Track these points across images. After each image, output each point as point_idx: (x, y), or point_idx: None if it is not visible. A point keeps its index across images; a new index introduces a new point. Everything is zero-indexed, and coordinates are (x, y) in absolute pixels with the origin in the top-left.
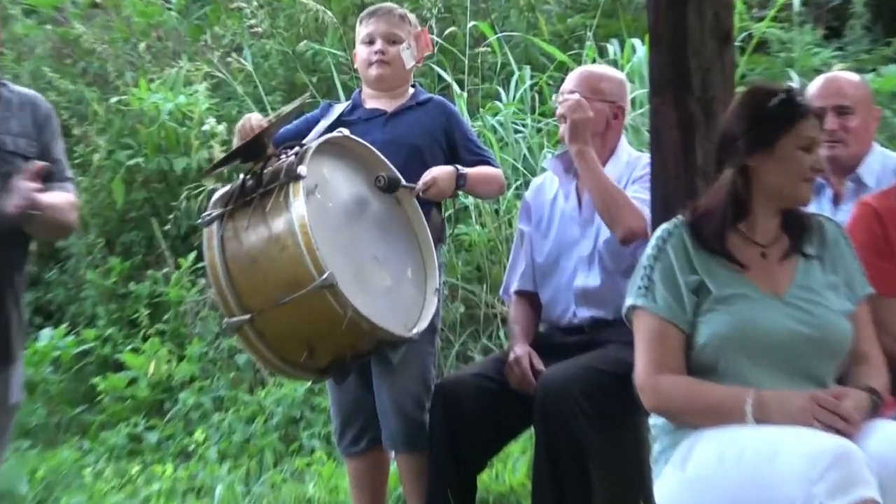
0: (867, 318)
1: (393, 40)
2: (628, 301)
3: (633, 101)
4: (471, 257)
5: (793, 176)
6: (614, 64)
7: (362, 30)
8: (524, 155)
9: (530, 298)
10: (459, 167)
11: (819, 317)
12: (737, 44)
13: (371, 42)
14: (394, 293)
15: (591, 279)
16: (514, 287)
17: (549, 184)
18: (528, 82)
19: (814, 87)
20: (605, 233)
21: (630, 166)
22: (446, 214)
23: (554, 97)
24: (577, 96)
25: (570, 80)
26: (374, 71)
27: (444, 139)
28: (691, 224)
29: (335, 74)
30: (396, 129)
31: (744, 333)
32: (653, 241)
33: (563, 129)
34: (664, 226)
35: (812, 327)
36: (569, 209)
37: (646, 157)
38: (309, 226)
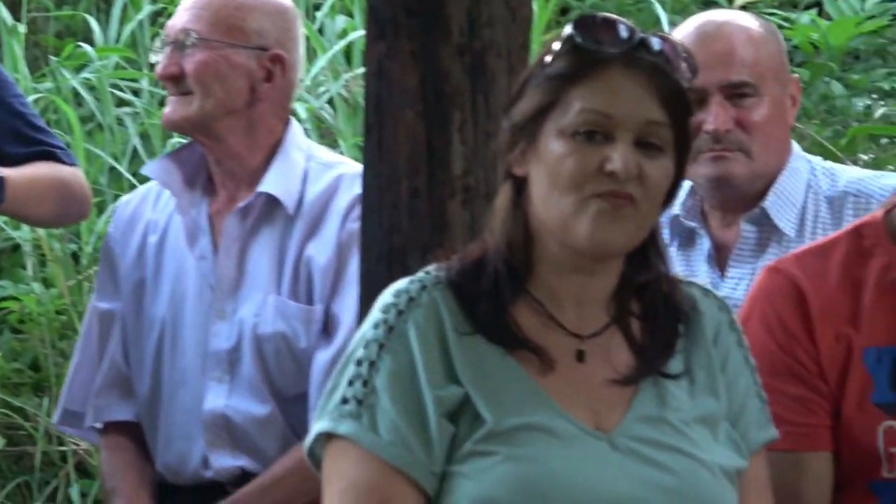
0: (764, 482)
1: None
2: (317, 425)
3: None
4: (22, 345)
5: (559, 188)
6: None
7: None
8: (135, 148)
9: (131, 433)
10: None
11: (679, 474)
12: None
13: None
14: None
15: (237, 399)
16: (90, 416)
17: (150, 207)
18: (148, 8)
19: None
20: (271, 307)
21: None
22: None
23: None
24: None
25: None
26: None
27: None
28: (453, 284)
29: None
30: None
31: (539, 500)
32: (374, 315)
33: None
34: (398, 285)
35: (665, 493)
36: (195, 258)
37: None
38: None
